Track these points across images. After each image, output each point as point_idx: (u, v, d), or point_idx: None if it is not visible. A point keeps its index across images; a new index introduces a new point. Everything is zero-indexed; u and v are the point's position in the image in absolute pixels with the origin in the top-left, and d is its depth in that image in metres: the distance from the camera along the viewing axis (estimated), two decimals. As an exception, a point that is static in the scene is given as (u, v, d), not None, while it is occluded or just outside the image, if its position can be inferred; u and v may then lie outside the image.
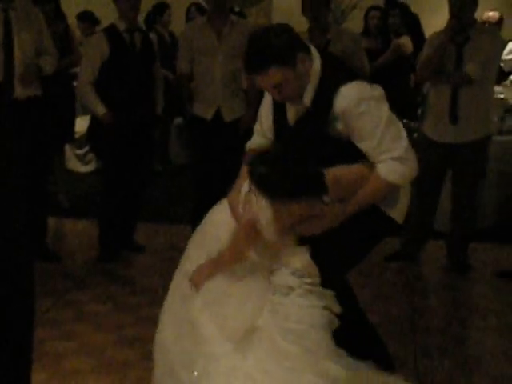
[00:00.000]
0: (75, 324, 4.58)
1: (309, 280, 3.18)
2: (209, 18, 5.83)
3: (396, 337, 4.43)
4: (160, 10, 8.85)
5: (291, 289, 3.17)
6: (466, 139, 5.37)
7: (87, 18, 8.71)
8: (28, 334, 2.61)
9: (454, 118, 5.34)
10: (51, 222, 6.21)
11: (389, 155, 3.13)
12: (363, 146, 3.15)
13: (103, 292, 5.14)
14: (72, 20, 8.61)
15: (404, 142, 3.16)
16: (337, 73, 3.22)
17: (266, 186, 3.03)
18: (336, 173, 3.14)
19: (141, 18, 7.35)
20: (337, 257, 3.28)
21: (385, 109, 3.15)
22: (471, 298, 5.28)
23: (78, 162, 8.67)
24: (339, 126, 3.16)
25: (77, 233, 6.65)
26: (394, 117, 3.18)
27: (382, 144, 3.11)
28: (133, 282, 5.40)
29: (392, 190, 3.23)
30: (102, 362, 4.09)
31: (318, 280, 3.19)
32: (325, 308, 3.16)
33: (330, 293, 3.20)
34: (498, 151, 6.34)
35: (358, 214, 3.21)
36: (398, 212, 3.35)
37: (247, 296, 3.21)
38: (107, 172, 5.91)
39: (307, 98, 3.19)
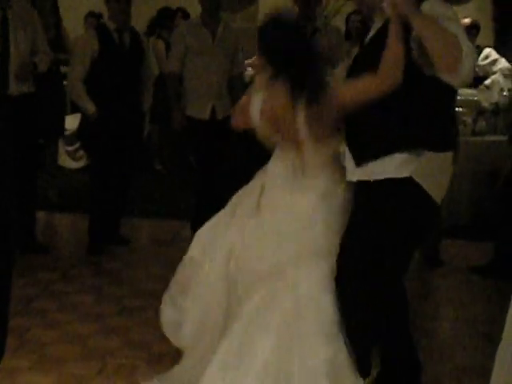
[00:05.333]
0: (59, 313, 4.55)
1: None
2: (203, 19, 5.85)
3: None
4: (165, 15, 8.67)
5: None
6: None
7: (92, 15, 8.73)
8: None
9: None
10: (41, 215, 6.18)
11: None
12: None
13: (88, 283, 5.11)
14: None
15: None
16: None
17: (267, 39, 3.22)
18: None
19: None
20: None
21: None
22: (442, 291, 5.28)
23: (69, 158, 8.61)
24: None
25: (65, 226, 6.64)
26: None
27: None
28: (117, 273, 5.37)
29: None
30: (84, 349, 4.05)
31: None
32: None
33: None
34: (470, 151, 6.33)
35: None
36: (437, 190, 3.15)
37: None
38: (96, 168, 5.88)
39: None
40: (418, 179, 3.05)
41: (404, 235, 3.16)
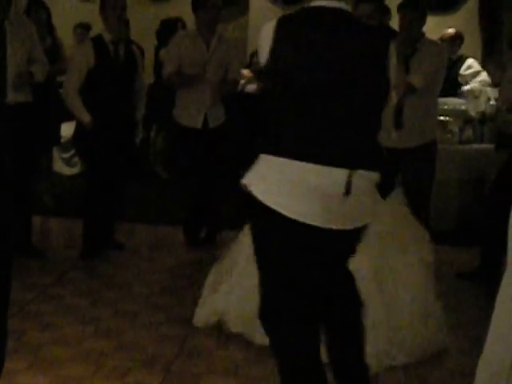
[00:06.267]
0: (55, 316, 4.54)
1: None
2: (199, 30, 5.89)
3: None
4: (168, 26, 8.67)
5: None
6: (409, 144, 5.37)
7: (81, 26, 8.76)
8: None
9: (398, 124, 5.35)
10: (37, 220, 6.18)
11: None
12: None
13: (83, 287, 5.11)
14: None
15: None
16: None
17: None
18: None
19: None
20: None
21: None
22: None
23: (64, 164, 8.64)
24: None
25: (61, 231, 6.64)
26: None
27: None
28: (111, 277, 5.37)
29: None
30: (79, 351, 4.05)
31: None
32: None
33: None
34: (457, 159, 6.37)
35: None
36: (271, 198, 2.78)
37: None
38: (90, 175, 5.89)
39: None
40: (250, 187, 2.76)
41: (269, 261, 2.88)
